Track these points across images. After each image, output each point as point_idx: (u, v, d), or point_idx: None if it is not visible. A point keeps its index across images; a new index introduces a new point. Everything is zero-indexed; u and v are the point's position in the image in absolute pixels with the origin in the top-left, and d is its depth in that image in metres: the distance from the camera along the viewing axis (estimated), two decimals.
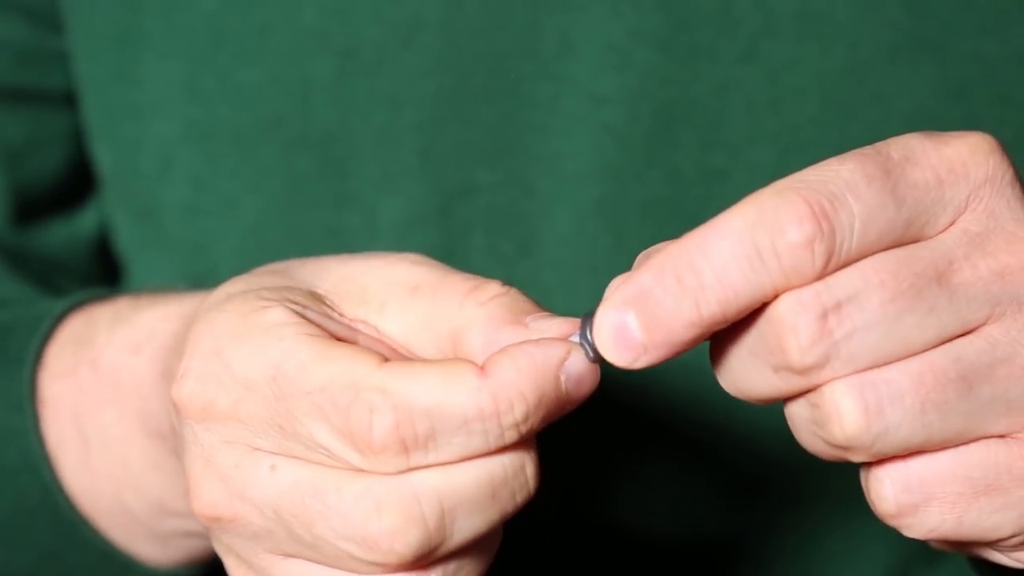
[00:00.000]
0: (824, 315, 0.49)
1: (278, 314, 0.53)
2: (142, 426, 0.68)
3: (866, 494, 0.53)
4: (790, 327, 0.49)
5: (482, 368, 0.51)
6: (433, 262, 0.56)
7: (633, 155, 0.76)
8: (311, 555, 0.53)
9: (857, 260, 0.50)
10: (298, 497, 0.52)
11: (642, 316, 0.50)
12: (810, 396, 0.51)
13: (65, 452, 0.72)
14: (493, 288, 0.54)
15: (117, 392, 0.70)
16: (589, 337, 0.52)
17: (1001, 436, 0.51)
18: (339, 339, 0.53)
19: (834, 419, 0.50)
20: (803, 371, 0.50)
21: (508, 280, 0.56)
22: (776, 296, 0.49)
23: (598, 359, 0.52)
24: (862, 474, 0.53)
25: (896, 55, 0.74)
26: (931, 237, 0.51)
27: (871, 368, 0.50)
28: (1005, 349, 0.50)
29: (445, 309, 0.54)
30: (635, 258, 0.52)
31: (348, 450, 0.51)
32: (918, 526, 0.52)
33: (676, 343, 0.50)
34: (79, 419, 0.72)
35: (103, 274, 0.89)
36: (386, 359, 0.52)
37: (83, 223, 0.89)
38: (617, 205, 0.77)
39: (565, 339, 0.52)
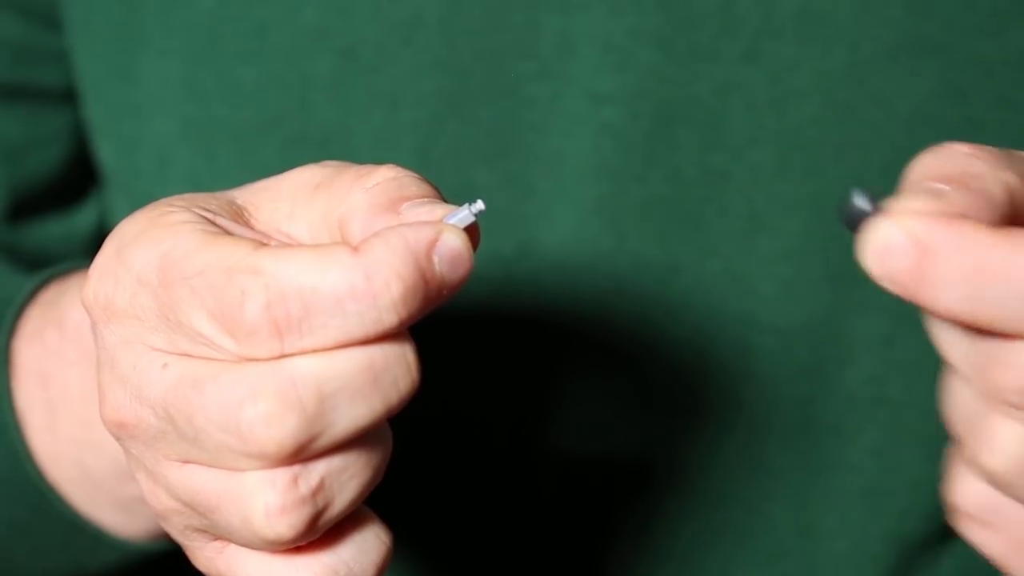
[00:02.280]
0: None
1: (181, 215, 0.52)
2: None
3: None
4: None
5: (355, 249, 0.50)
6: (342, 163, 0.55)
7: (633, 155, 0.76)
8: (198, 455, 0.52)
9: None
10: (181, 391, 0.51)
11: (922, 257, 0.49)
12: None
13: (33, 416, 0.73)
14: (380, 173, 0.54)
15: (80, 350, 0.71)
16: (472, 211, 0.52)
17: None
18: None
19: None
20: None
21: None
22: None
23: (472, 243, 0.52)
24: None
25: (897, 56, 0.74)
26: None
27: None
28: None
29: (336, 198, 0.54)
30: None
31: (223, 336, 0.50)
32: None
33: (928, 299, 0.49)
34: (45, 381, 0.72)
35: None
36: (263, 245, 0.51)
37: (81, 221, 0.89)
38: (617, 205, 0.76)
39: (438, 221, 0.52)
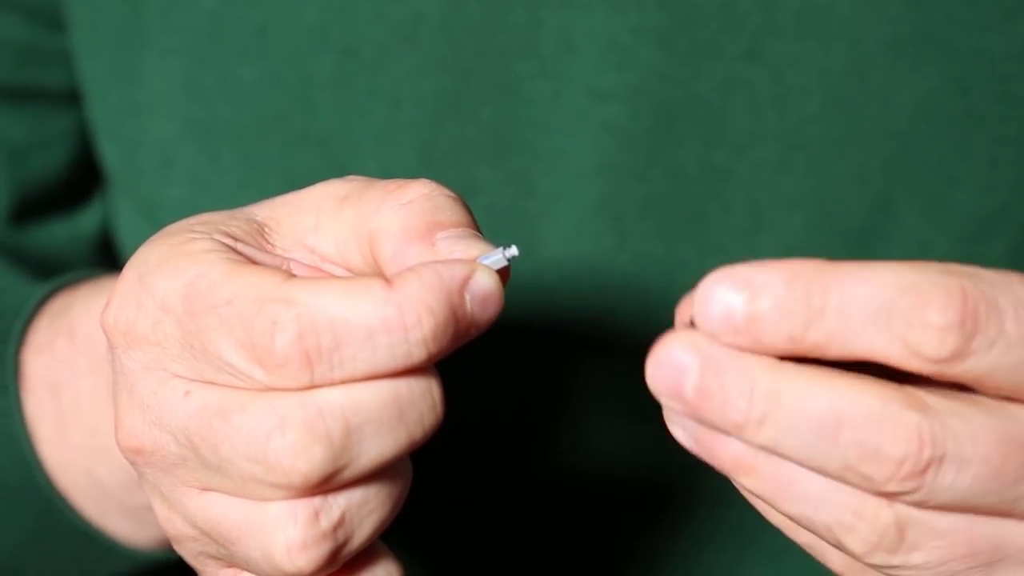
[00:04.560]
0: (927, 464, 0.48)
1: (204, 244, 0.52)
2: (111, 391, 0.68)
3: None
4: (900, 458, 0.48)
5: (389, 282, 0.50)
6: (369, 178, 0.55)
7: (635, 153, 0.76)
8: (221, 483, 0.52)
9: (986, 379, 0.48)
10: (205, 419, 0.51)
11: (751, 306, 0.48)
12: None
13: (42, 426, 0.73)
14: (414, 188, 0.53)
15: (91, 360, 0.71)
16: (506, 255, 0.52)
17: None
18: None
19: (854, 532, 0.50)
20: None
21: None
22: (887, 361, 0.48)
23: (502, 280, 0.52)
24: None
25: (898, 51, 0.74)
26: None
27: (934, 508, 0.49)
28: None
29: (367, 211, 0.53)
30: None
31: (252, 366, 0.50)
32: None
33: (762, 345, 0.48)
34: (55, 391, 0.72)
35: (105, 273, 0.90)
36: (294, 276, 0.51)
37: (85, 222, 0.90)
38: (619, 203, 0.76)
39: (472, 260, 0.52)
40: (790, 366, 0.48)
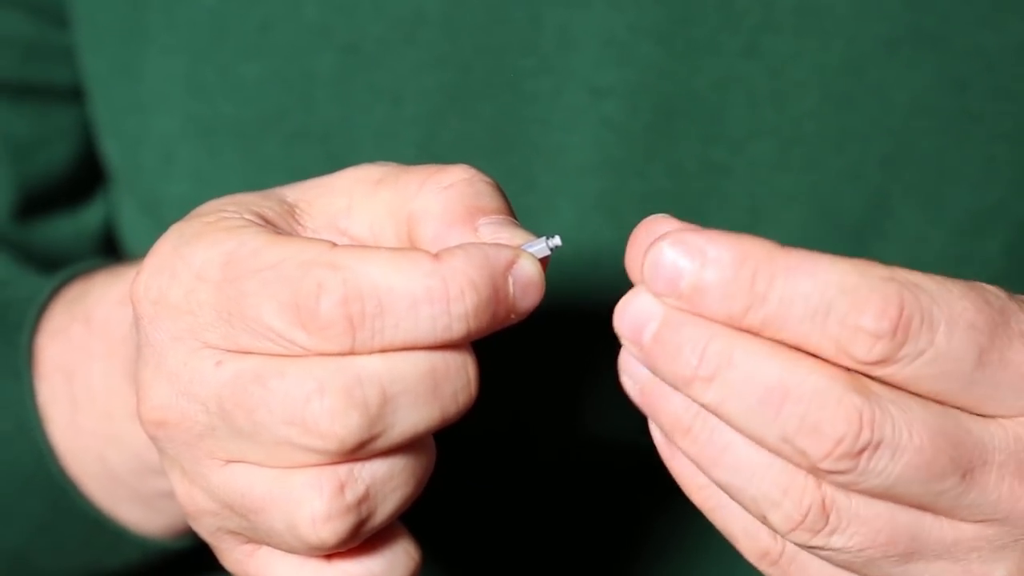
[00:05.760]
0: (863, 447, 0.49)
1: (238, 221, 0.53)
2: (124, 373, 0.68)
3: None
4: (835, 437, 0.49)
5: (435, 256, 0.51)
6: (401, 165, 0.56)
7: (634, 149, 0.76)
8: (250, 451, 0.52)
9: (909, 383, 0.49)
10: (240, 386, 0.51)
11: (697, 276, 0.49)
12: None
13: (55, 412, 0.73)
14: (454, 172, 0.54)
15: (107, 344, 0.71)
16: (549, 245, 0.53)
17: None
18: None
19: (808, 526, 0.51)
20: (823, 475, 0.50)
21: None
22: (817, 353, 0.49)
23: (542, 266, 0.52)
24: None
25: (895, 48, 0.75)
26: (983, 415, 0.50)
27: (859, 494, 0.50)
28: (962, 552, 0.51)
29: (405, 193, 0.54)
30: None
31: (294, 328, 0.50)
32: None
33: (700, 315, 0.50)
34: (69, 376, 0.72)
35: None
36: (336, 245, 0.51)
37: (88, 218, 0.90)
38: (618, 199, 0.77)
39: (516, 246, 0.52)
40: (748, 335, 0.49)
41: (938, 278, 0.50)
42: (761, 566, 0.53)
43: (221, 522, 0.54)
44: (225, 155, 0.80)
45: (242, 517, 0.53)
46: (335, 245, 0.51)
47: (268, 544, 0.54)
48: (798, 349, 0.49)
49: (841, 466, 0.49)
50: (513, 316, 0.52)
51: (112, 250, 0.91)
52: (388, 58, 0.77)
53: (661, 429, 0.52)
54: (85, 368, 0.72)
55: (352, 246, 0.51)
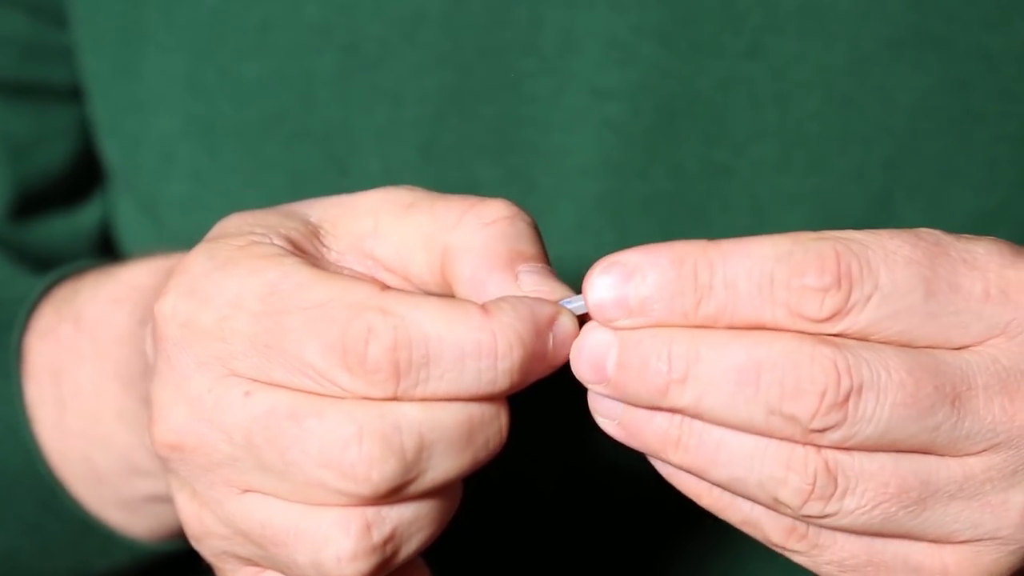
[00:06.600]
0: (847, 394, 0.50)
1: (270, 248, 0.53)
2: (115, 375, 0.68)
3: None
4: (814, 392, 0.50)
5: (485, 309, 0.51)
6: (427, 190, 0.56)
7: (635, 150, 0.76)
8: (276, 487, 0.52)
9: (869, 330, 0.50)
10: (273, 422, 0.51)
11: (639, 289, 0.50)
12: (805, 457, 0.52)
13: (42, 412, 0.73)
14: (495, 208, 0.54)
15: (96, 345, 0.71)
16: (588, 303, 0.52)
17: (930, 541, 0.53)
18: None
19: (805, 490, 0.51)
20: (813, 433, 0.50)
21: None
22: (776, 326, 0.50)
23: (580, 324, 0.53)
24: None
25: (899, 50, 0.74)
26: (953, 347, 0.51)
27: (858, 450, 0.51)
28: (975, 487, 0.52)
29: (442, 223, 0.54)
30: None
31: (337, 370, 0.50)
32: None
33: (657, 324, 0.51)
34: (57, 377, 0.72)
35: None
36: (388, 287, 0.51)
37: (85, 218, 0.90)
38: (620, 201, 0.77)
39: (556, 302, 0.53)
40: (703, 329, 0.50)
41: (867, 230, 0.51)
42: (790, 544, 0.53)
43: (229, 547, 0.54)
44: (225, 155, 0.80)
45: (257, 546, 0.53)
46: (385, 287, 0.51)
47: (281, 573, 0.54)
48: (757, 329, 0.50)
49: (831, 419, 0.50)
50: (547, 371, 0.52)
51: (108, 250, 0.91)
52: (389, 58, 0.77)
53: (651, 452, 0.52)
54: (73, 369, 0.72)
55: (402, 291, 0.51)
